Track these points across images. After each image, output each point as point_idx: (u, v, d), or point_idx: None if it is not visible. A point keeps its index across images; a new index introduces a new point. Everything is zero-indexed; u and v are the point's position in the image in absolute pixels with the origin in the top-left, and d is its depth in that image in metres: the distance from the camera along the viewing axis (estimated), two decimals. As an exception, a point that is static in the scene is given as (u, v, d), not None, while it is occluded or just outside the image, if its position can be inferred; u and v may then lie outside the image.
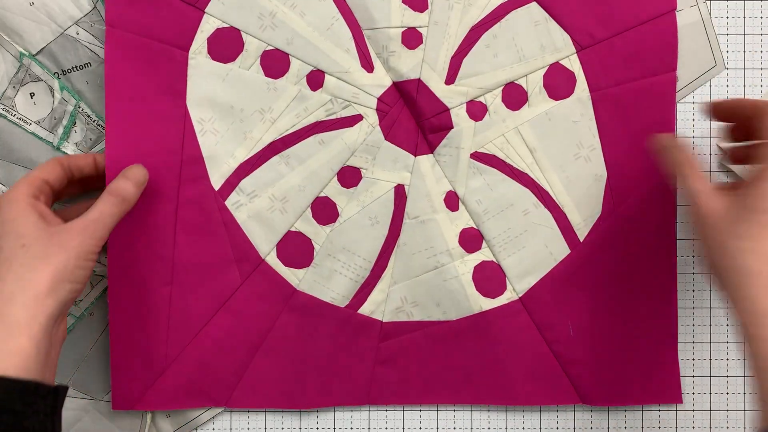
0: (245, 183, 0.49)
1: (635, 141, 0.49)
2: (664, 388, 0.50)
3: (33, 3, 0.48)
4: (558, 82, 0.50)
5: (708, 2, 0.51)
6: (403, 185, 0.50)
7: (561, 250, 0.50)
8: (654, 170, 0.49)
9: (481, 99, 0.50)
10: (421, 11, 0.49)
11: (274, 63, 0.49)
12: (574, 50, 0.50)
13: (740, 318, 0.37)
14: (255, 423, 0.51)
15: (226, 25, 0.48)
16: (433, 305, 0.50)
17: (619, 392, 0.50)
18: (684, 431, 0.51)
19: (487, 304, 0.50)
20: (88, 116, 0.49)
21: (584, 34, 0.50)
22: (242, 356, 0.49)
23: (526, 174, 0.50)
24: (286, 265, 0.50)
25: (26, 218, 0.40)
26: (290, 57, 0.49)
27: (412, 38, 0.49)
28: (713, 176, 0.51)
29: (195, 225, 0.49)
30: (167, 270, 0.49)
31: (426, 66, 0.49)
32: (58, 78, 0.49)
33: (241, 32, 0.49)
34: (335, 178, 0.50)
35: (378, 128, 0.50)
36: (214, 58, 0.49)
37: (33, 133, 0.49)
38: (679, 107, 0.51)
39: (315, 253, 0.50)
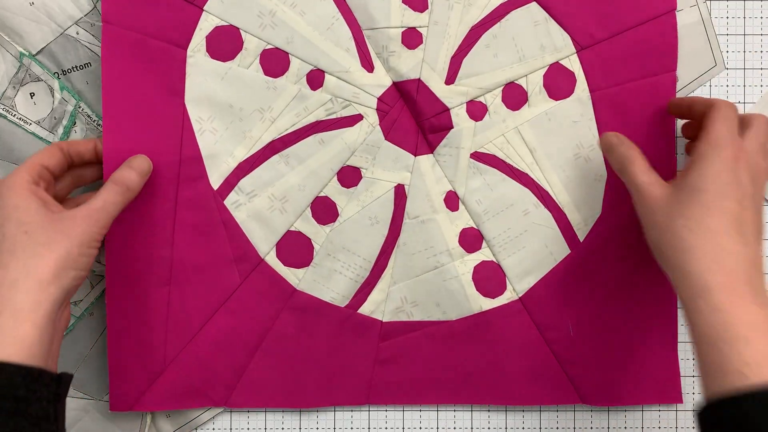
0: (244, 182, 0.49)
1: (635, 141, 0.49)
2: (664, 388, 0.50)
3: (33, 3, 0.48)
4: (558, 82, 0.50)
5: (708, 2, 0.51)
6: (403, 185, 0.50)
7: (561, 250, 0.50)
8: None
9: (481, 99, 0.50)
10: (421, 11, 0.49)
11: (274, 62, 0.49)
12: (574, 50, 0.50)
13: (682, 294, 0.39)
14: (255, 423, 0.51)
15: (225, 23, 0.48)
16: (433, 305, 0.50)
17: (620, 392, 0.50)
18: (684, 431, 0.51)
19: (487, 304, 0.50)
20: (88, 116, 0.49)
21: (584, 34, 0.49)
22: (242, 356, 0.49)
23: (526, 174, 0.50)
24: (285, 264, 0.50)
25: (28, 205, 0.40)
26: (290, 56, 0.49)
27: (412, 38, 0.49)
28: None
29: (194, 225, 0.49)
30: (166, 270, 0.49)
31: (426, 66, 0.49)
32: (58, 78, 0.49)
33: (241, 30, 0.48)
34: (335, 177, 0.50)
35: (378, 128, 0.49)
36: (213, 57, 0.48)
37: (33, 133, 0.49)
38: (679, 107, 0.51)
39: (315, 252, 0.50)
